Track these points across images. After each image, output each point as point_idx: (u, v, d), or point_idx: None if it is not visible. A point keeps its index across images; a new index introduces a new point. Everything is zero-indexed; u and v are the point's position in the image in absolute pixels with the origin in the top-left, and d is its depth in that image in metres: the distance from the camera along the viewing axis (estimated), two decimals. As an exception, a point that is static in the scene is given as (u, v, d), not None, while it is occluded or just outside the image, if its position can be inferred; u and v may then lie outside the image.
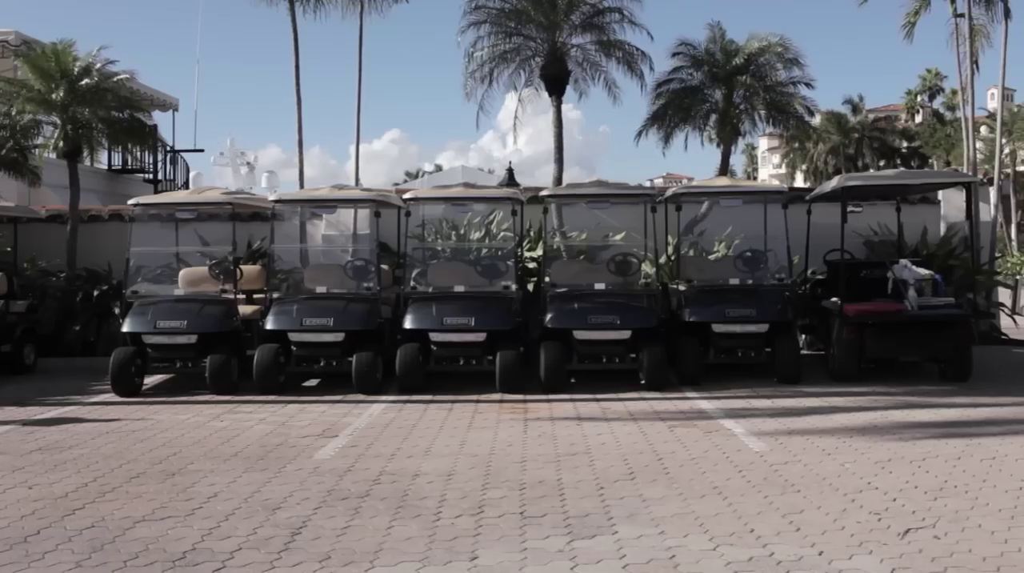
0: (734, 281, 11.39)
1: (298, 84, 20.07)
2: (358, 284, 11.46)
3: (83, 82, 14.53)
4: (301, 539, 5.22)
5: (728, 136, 21.79)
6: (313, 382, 11.36)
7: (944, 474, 6.55)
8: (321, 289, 11.32)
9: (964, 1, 32.84)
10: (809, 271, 12.85)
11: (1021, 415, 8.83)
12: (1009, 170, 37.07)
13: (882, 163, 50.45)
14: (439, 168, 58.54)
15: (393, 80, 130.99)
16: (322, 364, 10.90)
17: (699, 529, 5.33)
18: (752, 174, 72.74)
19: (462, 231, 13.91)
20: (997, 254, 19.52)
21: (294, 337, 10.68)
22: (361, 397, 10.11)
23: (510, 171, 29.88)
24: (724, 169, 21.19)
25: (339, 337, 10.60)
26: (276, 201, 12.10)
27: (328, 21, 65.07)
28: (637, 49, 23.64)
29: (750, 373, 10.92)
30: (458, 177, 30.98)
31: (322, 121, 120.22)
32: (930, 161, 46.19)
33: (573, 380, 10.63)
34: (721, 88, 23.76)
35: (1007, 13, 33.05)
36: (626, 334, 10.57)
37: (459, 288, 11.22)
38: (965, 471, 6.64)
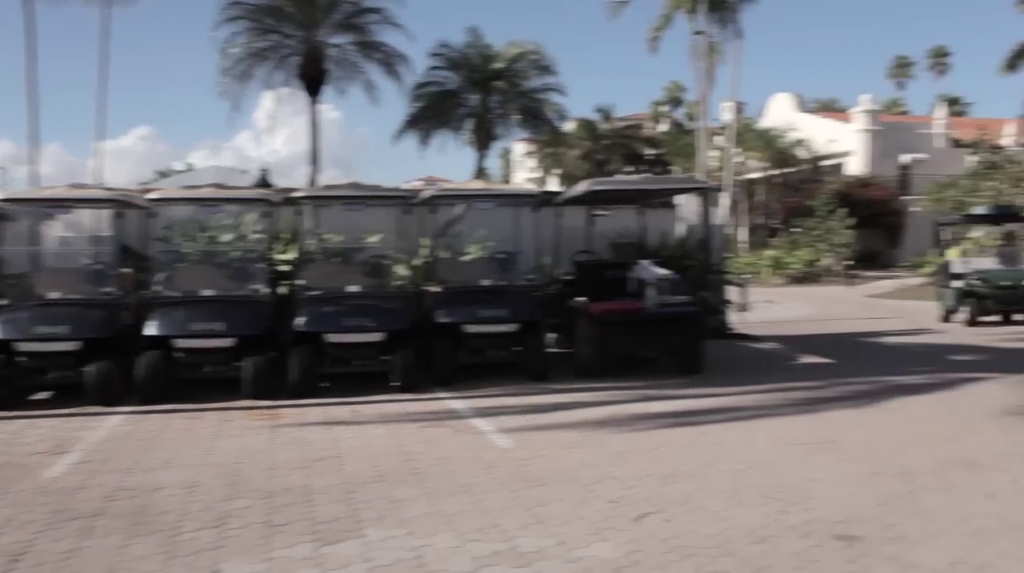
0: (486, 282, 11.63)
1: (30, 74, 18.71)
2: (96, 289, 10.81)
3: None
4: (22, 566, 4.86)
5: (484, 139, 22.12)
6: (45, 395, 10.59)
7: (676, 461, 6.99)
8: (55, 295, 10.59)
9: (702, 20, 35.25)
10: (558, 272, 13.33)
11: (745, 403, 9.54)
12: (741, 177, 39.95)
13: (629, 168, 52.96)
14: (191, 167, 56.11)
15: (143, 75, 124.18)
16: (57, 374, 10.20)
17: (446, 527, 5.41)
18: (508, 178, 74.46)
19: (211, 233, 13.41)
20: (728, 255, 21.02)
21: (22, 346, 9.91)
22: (98, 409, 9.52)
23: (264, 172, 29.10)
24: (479, 172, 21.49)
25: (73, 346, 9.94)
26: (4, 200, 11.23)
27: (71, 8, 61.12)
28: (397, 51, 23.56)
29: (501, 372, 11.20)
30: (210, 177, 29.92)
31: (63, 116, 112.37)
32: (672, 168, 48.99)
33: (326, 384, 10.50)
34: (478, 92, 24.09)
35: (739, 33, 35.62)
36: (379, 336, 10.56)
37: (207, 292, 10.81)
38: (694, 457, 7.12)
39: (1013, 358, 12.80)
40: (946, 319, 18.84)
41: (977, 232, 27.11)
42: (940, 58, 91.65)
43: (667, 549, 5.00)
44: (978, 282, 18.00)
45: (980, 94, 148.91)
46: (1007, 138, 41.61)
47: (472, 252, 12.62)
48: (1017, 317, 18.06)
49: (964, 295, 18.19)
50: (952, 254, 27.77)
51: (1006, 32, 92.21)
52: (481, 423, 8.64)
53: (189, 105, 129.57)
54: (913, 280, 29.53)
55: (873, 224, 41.08)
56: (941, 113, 52.35)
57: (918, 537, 5.12)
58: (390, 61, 34.57)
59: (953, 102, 77.41)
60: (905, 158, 47.81)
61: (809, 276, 33.88)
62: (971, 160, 29.60)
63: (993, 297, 17.92)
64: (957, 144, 44.91)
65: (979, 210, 20.86)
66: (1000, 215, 20.50)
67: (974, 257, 19.59)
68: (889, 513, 5.57)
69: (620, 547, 5.04)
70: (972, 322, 17.78)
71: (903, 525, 5.33)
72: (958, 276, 18.64)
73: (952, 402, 9.45)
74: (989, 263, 18.98)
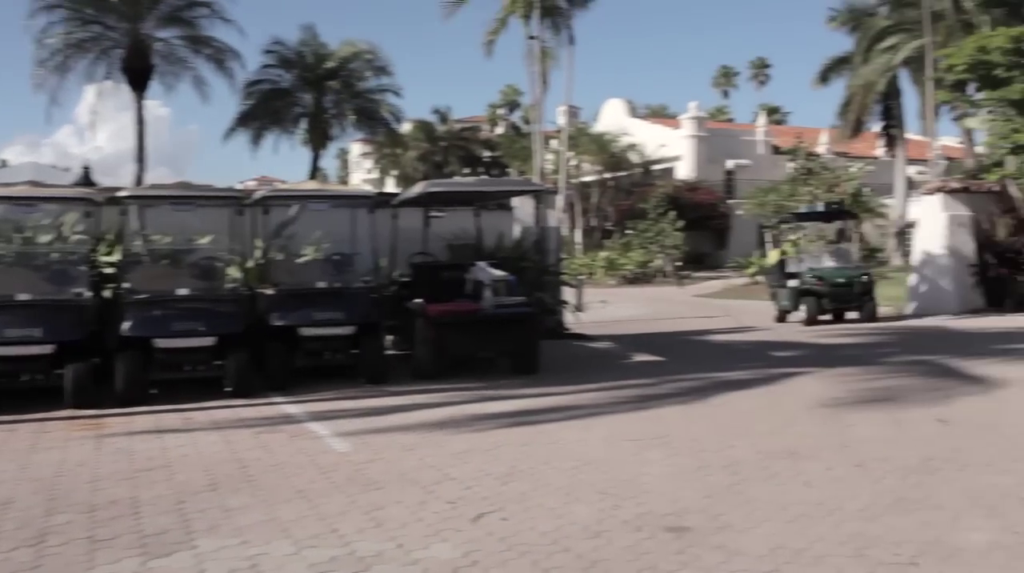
0: (322, 284, 11.46)
1: None
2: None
3: None
4: None
5: (318, 139, 21.76)
6: None
7: (513, 460, 7.07)
8: None
9: (536, 25, 35.78)
10: (395, 273, 13.28)
11: (581, 402, 9.74)
12: (575, 180, 40.81)
13: (467, 171, 53.35)
14: (5, 164, 52.86)
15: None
16: None
17: (282, 534, 5.30)
18: (345, 178, 73.68)
19: (28, 234, 12.67)
20: (563, 256, 21.44)
21: None
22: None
23: (86, 170, 27.74)
24: (314, 173, 21.13)
25: None
26: None
27: None
28: (227, 46, 22.84)
29: (338, 375, 11.06)
30: (27, 174, 28.28)
31: None
32: (509, 170, 49.57)
33: (155, 391, 10.09)
34: (312, 92, 23.66)
35: (572, 39, 36.29)
36: (210, 341, 10.24)
37: (22, 296, 10.20)
38: (531, 456, 7.22)
39: (830, 353, 13.56)
40: (782, 319, 19.09)
41: (797, 234, 28.49)
42: (761, 69, 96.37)
43: (505, 548, 5.05)
44: (814, 281, 18.19)
45: (797, 104, 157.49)
46: (822, 146, 44.07)
47: (307, 254, 12.41)
48: (849, 315, 18.54)
49: (801, 294, 18.34)
50: (773, 255, 29.03)
51: (820, 46, 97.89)
52: (317, 427, 8.50)
53: (2, 97, 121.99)
54: (739, 280, 30.94)
55: (701, 226, 42.80)
56: (762, 121, 54.92)
57: (743, 526, 5.35)
58: (220, 57, 33.54)
59: (773, 111, 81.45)
60: (730, 163, 50.00)
61: (642, 277, 34.98)
62: (790, 166, 31.20)
63: (830, 295, 18.14)
64: (777, 151, 47.26)
65: (816, 208, 21.45)
66: (832, 213, 20.94)
67: (807, 256, 19.84)
68: (716, 504, 5.80)
69: (459, 548, 5.06)
70: (811, 321, 17.98)
71: (729, 515, 5.56)
72: (792, 275, 18.85)
73: (773, 396, 9.92)
74: (822, 261, 19.20)
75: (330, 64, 35.95)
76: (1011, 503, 5.74)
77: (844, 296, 18.32)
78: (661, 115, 71.37)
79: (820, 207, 21.76)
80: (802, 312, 18.28)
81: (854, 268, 19.07)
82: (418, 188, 12.80)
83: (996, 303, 19.56)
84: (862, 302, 18.49)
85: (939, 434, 7.81)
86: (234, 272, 11.52)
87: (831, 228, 22.00)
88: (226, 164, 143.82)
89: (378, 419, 8.86)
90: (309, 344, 10.91)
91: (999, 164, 23.67)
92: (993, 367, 11.46)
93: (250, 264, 11.74)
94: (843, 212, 21.37)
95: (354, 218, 12.02)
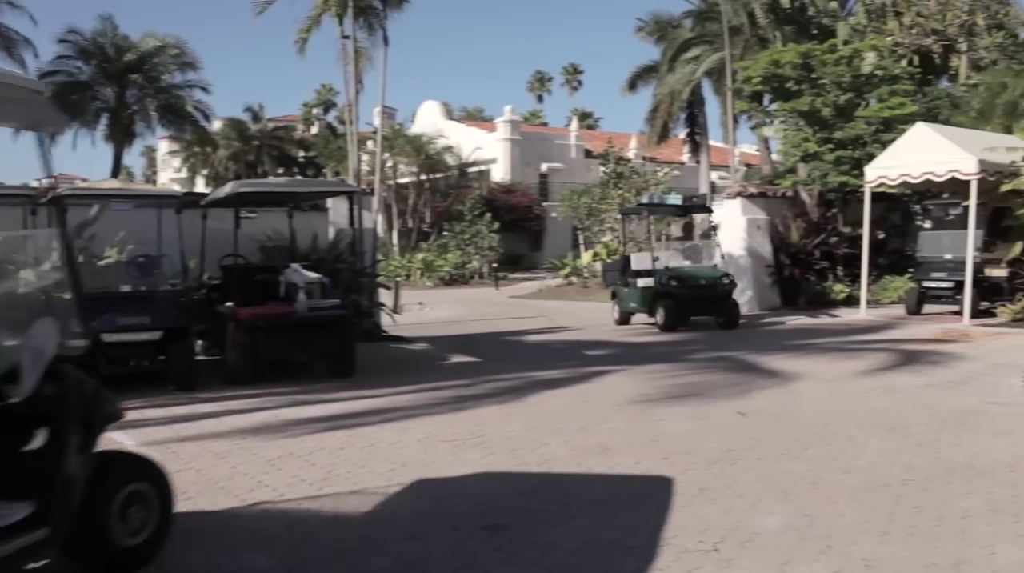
0: (126, 288, 10.95)
1: None
2: None
3: None
4: None
5: (121, 136, 20.75)
6: None
7: (329, 465, 6.96)
8: None
9: (350, 24, 35.41)
10: (205, 276, 12.84)
11: (398, 404, 9.70)
12: (392, 182, 40.64)
13: (280, 171, 52.19)
14: None
15: None
16: None
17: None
18: (152, 177, 70.73)
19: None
20: (380, 258, 21.31)
21: None
22: None
23: None
24: (117, 171, 20.13)
25: None
26: None
27: None
28: (17, 33, 21.46)
29: (146, 382, 10.59)
30: None
31: None
32: (324, 171, 48.85)
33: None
34: (113, 86, 22.53)
35: (386, 40, 36.12)
36: None
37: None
38: (347, 460, 7.13)
39: (639, 351, 14.04)
40: (624, 321, 17.98)
41: (610, 234, 29.27)
42: (574, 75, 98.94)
43: (323, 553, 4.97)
44: (672, 283, 16.53)
45: (608, 110, 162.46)
46: (631, 151, 45.66)
47: (110, 256, 11.84)
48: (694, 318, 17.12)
49: (657, 297, 16.72)
50: (586, 257, 29.74)
51: (630, 55, 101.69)
52: (122, 437, 8.07)
53: None
54: (554, 281, 31.57)
55: (517, 228, 43.50)
56: (575, 126, 56.33)
57: (557, 520, 5.47)
58: (9, 45, 31.51)
59: (586, 116, 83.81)
60: (544, 167, 51.05)
61: (459, 278, 35.18)
62: (601, 170, 32.15)
63: (689, 299, 16.55)
64: (589, 155, 48.66)
65: (666, 199, 19.60)
66: (689, 207, 19.45)
67: (663, 254, 18.22)
68: (532, 501, 5.91)
69: (275, 556, 4.94)
70: (670, 327, 16.38)
71: (544, 511, 5.67)
72: (640, 274, 17.42)
73: (586, 394, 10.19)
74: (676, 260, 17.61)
75: (131, 57, 34.37)
76: (802, 488, 6.12)
77: (705, 300, 16.75)
78: (477, 118, 72.13)
79: (674, 199, 19.84)
80: (659, 317, 16.72)
81: (713, 269, 17.46)
82: (228, 188, 12.43)
83: (791, 302, 20.79)
84: (723, 307, 16.93)
85: (739, 426, 8.23)
86: (29, 275, 10.83)
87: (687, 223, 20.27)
88: (21, 161, 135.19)
89: (188, 427, 8.54)
90: (113, 350, 10.38)
91: (792, 171, 25.23)
92: (788, 362, 12.18)
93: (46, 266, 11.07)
94: (701, 206, 19.86)
95: (160, 219, 11.54)
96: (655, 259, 17.24)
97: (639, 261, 18.05)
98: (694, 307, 16.73)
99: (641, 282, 17.28)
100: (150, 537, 4.72)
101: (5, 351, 4.19)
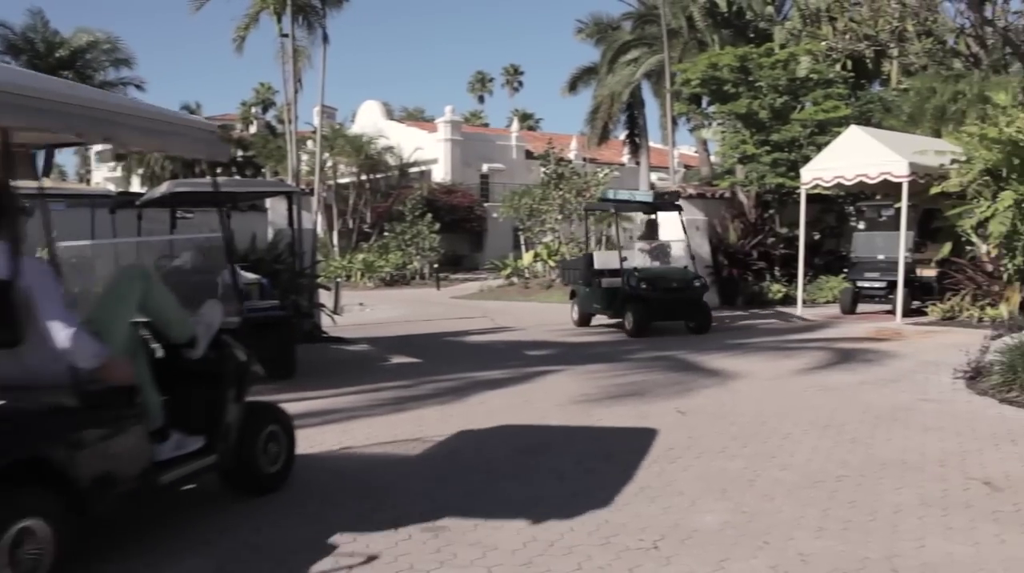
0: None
1: None
2: None
3: None
4: None
5: (52, 135, 20.21)
6: None
7: (268, 468, 6.87)
8: None
9: (288, 23, 35.08)
10: (141, 277, 12.61)
11: (338, 406, 9.63)
12: (332, 182, 40.33)
13: (218, 170, 51.36)
14: None
15: None
16: None
17: None
18: (86, 176, 69.28)
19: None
20: (320, 259, 21.13)
21: None
22: None
23: None
24: (48, 170, 19.58)
25: None
26: None
27: None
28: (-58, 29, 20.94)
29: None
30: None
31: None
32: (263, 171, 48.31)
33: None
34: (44, 83, 21.95)
35: (325, 38, 35.89)
36: None
37: None
38: (287, 463, 7.04)
39: (580, 351, 14.11)
40: (585, 322, 17.40)
41: (550, 236, 29.36)
42: (514, 76, 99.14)
43: (262, 558, 4.91)
44: (642, 285, 15.69)
45: (549, 111, 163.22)
46: (572, 152, 45.89)
47: (41, 256, 11.58)
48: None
49: (626, 299, 15.89)
50: (528, 257, 29.78)
51: (570, 56, 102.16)
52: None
53: None
54: (495, 282, 31.58)
55: (458, 229, 43.47)
56: (516, 127, 56.45)
57: (498, 521, 5.47)
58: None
59: (526, 117, 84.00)
60: (485, 167, 51.10)
61: (400, 279, 35.03)
62: (542, 171, 32.27)
63: (658, 302, 15.72)
64: (530, 156, 48.76)
65: (623, 195, 18.53)
66: (658, 204, 18.24)
67: (631, 253, 17.01)
68: (472, 502, 5.90)
69: (212, 560, 4.87)
70: (639, 332, 15.56)
71: (484, 511, 5.67)
72: (604, 274, 16.62)
73: (527, 394, 10.21)
74: (643, 261, 16.70)
75: (62, 53, 33.70)
76: (740, 486, 6.21)
77: (675, 304, 15.95)
78: (418, 118, 71.90)
79: (643, 195, 19.03)
80: (627, 322, 15.86)
81: (684, 271, 16.55)
82: (163, 188, 12.24)
83: (729, 301, 21.07)
84: (695, 311, 16.12)
85: (679, 424, 8.31)
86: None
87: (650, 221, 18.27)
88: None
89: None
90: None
91: (730, 172, 25.61)
92: (727, 361, 12.34)
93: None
94: (671, 204, 18.66)
95: (94, 219, 11.34)
96: (623, 259, 16.21)
97: (603, 260, 17.37)
98: (665, 311, 15.93)
99: (606, 282, 16.52)
100: (281, 468, 6.14)
101: (189, 325, 5.52)
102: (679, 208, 18.15)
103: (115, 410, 4.71)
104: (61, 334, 4.40)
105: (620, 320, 16.23)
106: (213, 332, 5.64)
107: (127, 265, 6.94)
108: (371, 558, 4.90)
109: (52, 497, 4.18)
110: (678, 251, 17.12)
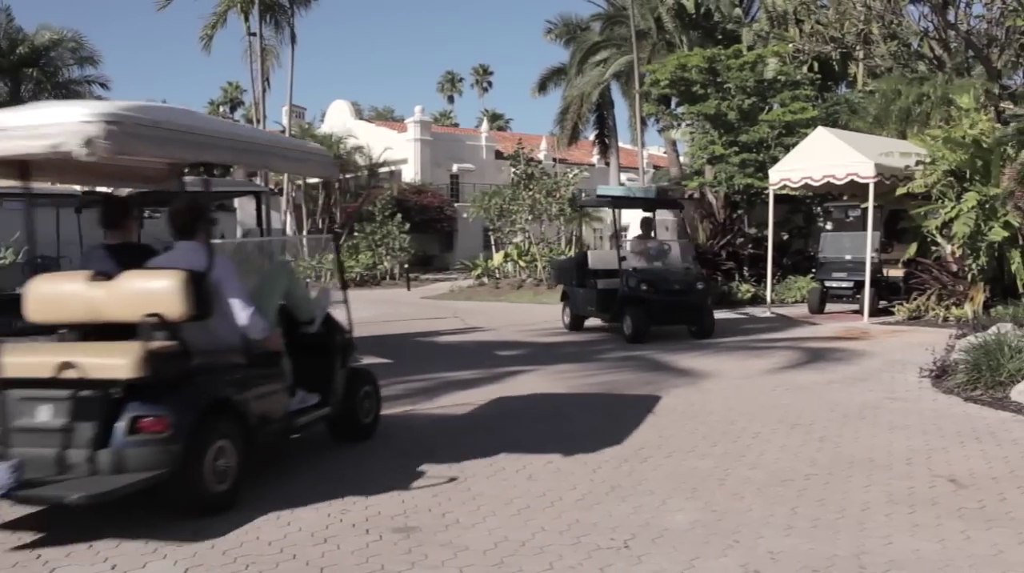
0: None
1: None
2: None
3: None
4: None
5: (16, 133, 19.94)
6: None
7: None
8: None
9: (256, 21, 34.86)
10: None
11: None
12: (301, 181, 40.11)
13: (186, 169, 50.98)
14: None
15: None
16: None
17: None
18: (50, 176, 68.46)
19: None
20: (289, 259, 21.00)
21: None
22: None
23: None
24: (12, 169, 19.33)
25: None
26: None
27: None
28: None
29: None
30: None
31: None
32: (232, 170, 47.99)
33: None
34: (6, 79, 21.72)
35: (293, 38, 35.70)
36: None
37: None
38: (258, 462, 7.00)
39: (550, 351, 14.12)
40: (577, 325, 16.45)
41: (520, 236, 29.35)
42: (484, 76, 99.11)
43: (229, 560, 4.88)
44: (642, 287, 14.61)
45: (518, 111, 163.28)
46: (542, 152, 45.94)
47: (5, 258, 11.44)
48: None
49: (624, 302, 14.74)
50: (498, 258, 29.76)
51: (539, 57, 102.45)
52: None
53: None
54: (466, 282, 31.55)
55: (428, 229, 43.40)
56: (486, 127, 56.42)
57: (469, 521, 5.47)
58: None
59: (496, 117, 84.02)
60: (455, 167, 51.05)
61: (370, 279, 34.89)
62: (512, 171, 32.28)
63: (661, 305, 14.61)
64: (500, 156, 48.79)
65: (633, 191, 17.92)
66: (659, 200, 17.51)
67: (632, 254, 15.67)
68: (443, 502, 5.89)
69: (179, 563, 4.83)
70: (638, 338, 14.40)
71: (455, 512, 5.67)
72: (599, 274, 15.72)
73: (498, 393, 10.20)
74: (642, 260, 15.48)
75: (24, 50, 33.22)
76: (710, 484, 6.24)
77: (678, 307, 14.88)
78: (387, 118, 71.72)
79: (644, 191, 18.05)
80: (626, 326, 14.70)
81: (687, 271, 15.52)
82: (130, 187, 12.10)
83: (698, 301, 21.11)
84: (699, 315, 15.07)
85: (649, 424, 8.34)
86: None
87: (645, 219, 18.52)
88: None
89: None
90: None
91: (699, 173, 25.74)
92: (696, 361, 12.40)
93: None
94: (672, 201, 17.84)
95: (59, 218, 11.20)
96: (623, 259, 15.03)
97: (598, 259, 16.39)
98: (666, 315, 14.83)
99: (602, 283, 15.52)
100: (372, 420, 7.81)
101: (311, 306, 7.11)
102: (681, 206, 17.33)
103: (269, 369, 6.30)
104: (241, 314, 5.97)
105: (617, 324, 15.22)
106: (325, 313, 7.21)
107: (277, 261, 8.89)
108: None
109: (235, 427, 5.80)
110: (678, 251, 16.24)
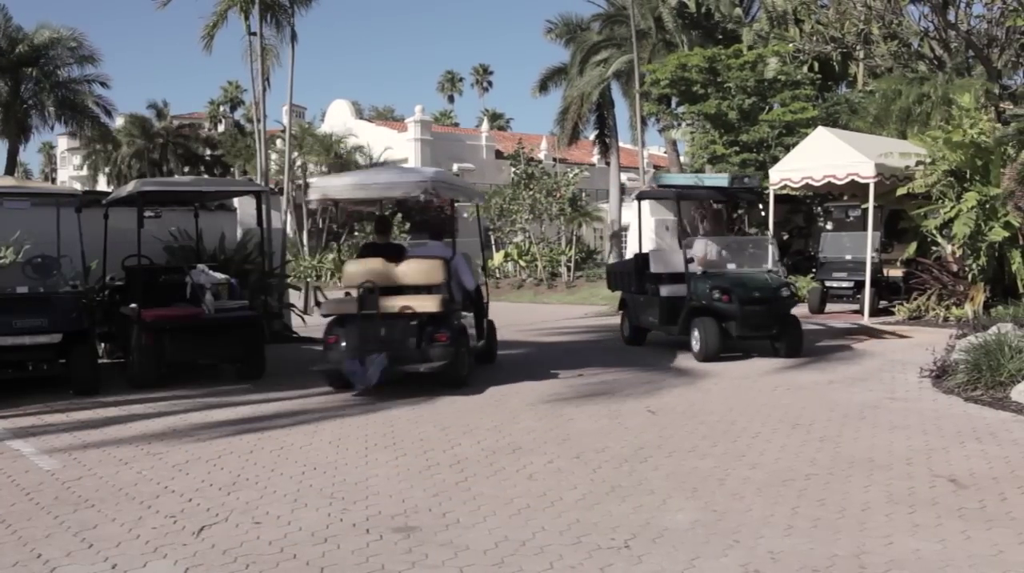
0: (23, 290, 10.57)
1: None
2: None
3: None
4: None
5: (15, 131, 20.00)
6: None
7: (238, 469, 6.84)
8: None
9: (257, 21, 34.78)
10: (108, 277, 12.50)
11: (308, 406, 9.60)
12: (301, 181, 40.08)
13: (186, 169, 51.10)
14: None
15: None
16: None
17: (-25, 564, 4.84)
18: (51, 175, 68.55)
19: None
20: (289, 258, 21.02)
21: None
22: None
23: None
24: (12, 168, 19.43)
25: None
26: None
27: None
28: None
29: (44, 387, 10.26)
30: None
31: None
32: (232, 169, 47.96)
33: None
34: (6, 79, 21.72)
35: (294, 37, 35.63)
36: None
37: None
38: (256, 463, 7.02)
39: (552, 351, 14.13)
40: (638, 340, 14.15)
41: (520, 236, 29.30)
42: (484, 76, 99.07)
43: (229, 559, 4.88)
44: (718, 296, 12.22)
45: (519, 111, 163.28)
46: (542, 152, 45.91)
47: (5, 257, 11.42)
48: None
49: (694, 313, 12.48)
50: (498, 257, 29.76)
51: (540, 56, 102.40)
52: (20, 445, 7.84)
53: None
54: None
55: (430, 227, 43.22)
56: (486, 126, 56.38)
57: (469, 521, 5.47)
58: None
59: (496, 117, 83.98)
60: (455, 167, 51.01)
61: (369, 279, 34.83)
62: (512, 171, 32.28)
63: (740, 318, 12.20)
64: (500, 155, 48.75)
65: (703, 181, 15.47)
66: (734, 190, 15.04)
67: (703, 253, 13.26)
68: (443, 502, 5.89)
69: (180, 564, 4.84)
70: (710, 357, 12.12)
71: (456, 511, 5.67)
72: (662, 279, 13.39)
73: (498, 394, 10.20)
74: (714, 262, 13.16)
75: (24, 49, 33.13)
76: (710, 484, 6.24)
77: (760, 318, 12.33)
78: (388, 117, 71.71)
79: (715, 180, 15.72)
80: (696, 343, 12.37)
81: (768, 276, 12.92)
82: (130, 187, 12.11)
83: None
84: (784, 328, 12.49)
85: (650, 424, 8.35)
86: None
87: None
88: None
89: (90, 433, 8.29)
90: (9, 354, 10.03)
91: (699, 172, 25.70)
92: (696, 361, 12.37)
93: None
94: (749, 190, 15.28)
95: (59, 217, 11.17)
96: (689, 261, 12.73)
97: (660, 261, 13.88)
98: (745, 328, 12.35)
99: (665, 290, 13.16)
100: (496, 351, 12.59)
101: (478, 277, 11.80)
102: (759, 196, 15.08)
103: (476, 311, 11.60)
104: (469, 281, 11.34)
105: (685, 338, 12.76)
106: (473, 285, 11.51)
107: (462, 252, 11.60)
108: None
109: (466, 342, 10.75)
110: (757, 250, 13.90)
